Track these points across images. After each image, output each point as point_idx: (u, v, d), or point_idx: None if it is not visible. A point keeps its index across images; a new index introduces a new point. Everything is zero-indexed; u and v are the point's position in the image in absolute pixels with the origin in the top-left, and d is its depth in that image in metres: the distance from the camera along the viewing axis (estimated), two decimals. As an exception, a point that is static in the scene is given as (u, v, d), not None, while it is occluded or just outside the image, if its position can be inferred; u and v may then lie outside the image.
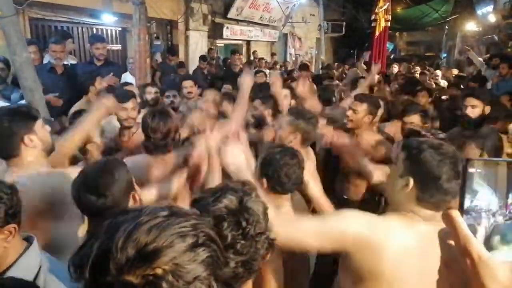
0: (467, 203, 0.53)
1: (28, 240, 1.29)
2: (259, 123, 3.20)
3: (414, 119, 2.89)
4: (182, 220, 0.67)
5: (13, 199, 1.22)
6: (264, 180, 1.77)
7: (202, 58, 7.32)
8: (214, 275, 0.67)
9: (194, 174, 1.99)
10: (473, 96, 2.90)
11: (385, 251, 1.28)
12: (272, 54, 11.37)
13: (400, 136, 2.94)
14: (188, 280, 0.62)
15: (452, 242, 0.51)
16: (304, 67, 7.03)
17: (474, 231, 0.51)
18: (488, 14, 10.13)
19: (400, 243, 1.29)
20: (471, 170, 0.54)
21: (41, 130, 1.75)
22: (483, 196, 0.53)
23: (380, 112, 3.15)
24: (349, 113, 2.88)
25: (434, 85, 7.53)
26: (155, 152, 2.22)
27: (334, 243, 1.33)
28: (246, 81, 2.42)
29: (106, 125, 2.91)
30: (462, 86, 5.99)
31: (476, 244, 0.48)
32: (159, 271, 0.61)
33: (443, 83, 8.22)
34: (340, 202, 2.68)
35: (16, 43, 3.25)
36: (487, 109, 2.89)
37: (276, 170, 1.76)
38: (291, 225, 1.34)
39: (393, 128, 3.33)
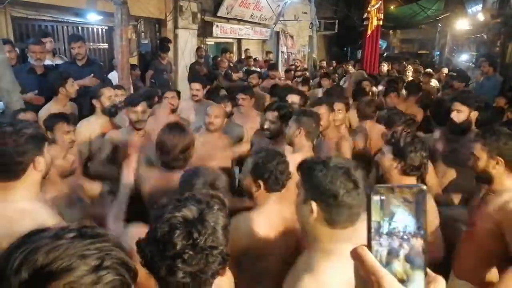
0: (385, 226, 0.53)
1: None
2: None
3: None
4: (87, 243, 0.65)
5: None
6: (261, 182, 1.89)
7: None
8: None
9: None
10: (459, 101, 2.91)
11: None
12: (267, 53, 11.21)
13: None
14: None
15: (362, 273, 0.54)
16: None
17: (394, 254, 0.53)
18: (477, 13, 10.14)
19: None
20: (375, 197, 0.53)
21: (47, 154, 1.57)
22: (401, 217, 0.53)
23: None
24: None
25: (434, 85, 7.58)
26: (171, 167, 2.28)
27: None
28: None
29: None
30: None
31: (382, 273, 0.52)
32: None
33: (434, 82, 8.25)
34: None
35: (-9, 44, 3.24)
36: (474, 114, 2.89)
37: (271, 170, 1.88)
38: None
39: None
